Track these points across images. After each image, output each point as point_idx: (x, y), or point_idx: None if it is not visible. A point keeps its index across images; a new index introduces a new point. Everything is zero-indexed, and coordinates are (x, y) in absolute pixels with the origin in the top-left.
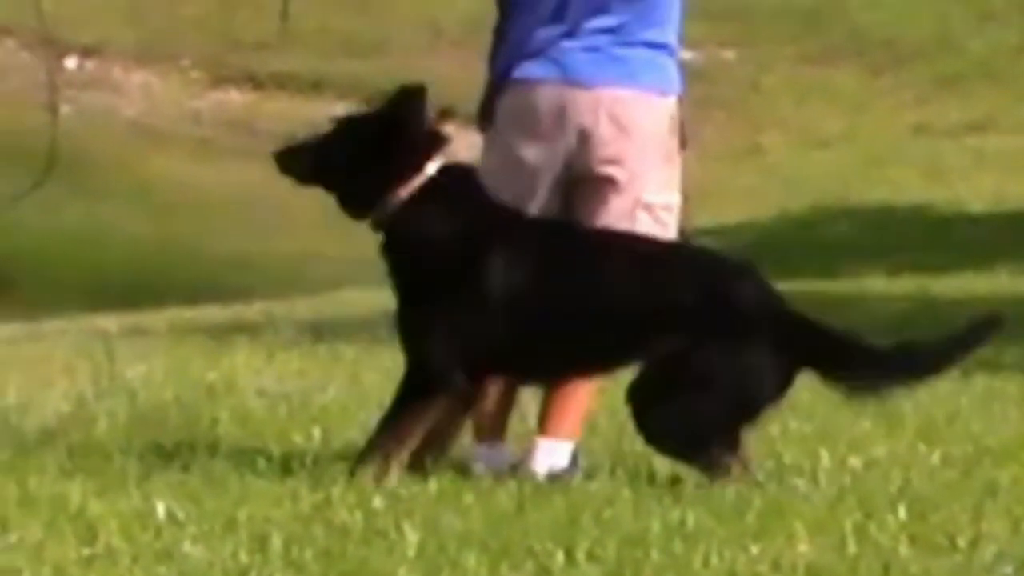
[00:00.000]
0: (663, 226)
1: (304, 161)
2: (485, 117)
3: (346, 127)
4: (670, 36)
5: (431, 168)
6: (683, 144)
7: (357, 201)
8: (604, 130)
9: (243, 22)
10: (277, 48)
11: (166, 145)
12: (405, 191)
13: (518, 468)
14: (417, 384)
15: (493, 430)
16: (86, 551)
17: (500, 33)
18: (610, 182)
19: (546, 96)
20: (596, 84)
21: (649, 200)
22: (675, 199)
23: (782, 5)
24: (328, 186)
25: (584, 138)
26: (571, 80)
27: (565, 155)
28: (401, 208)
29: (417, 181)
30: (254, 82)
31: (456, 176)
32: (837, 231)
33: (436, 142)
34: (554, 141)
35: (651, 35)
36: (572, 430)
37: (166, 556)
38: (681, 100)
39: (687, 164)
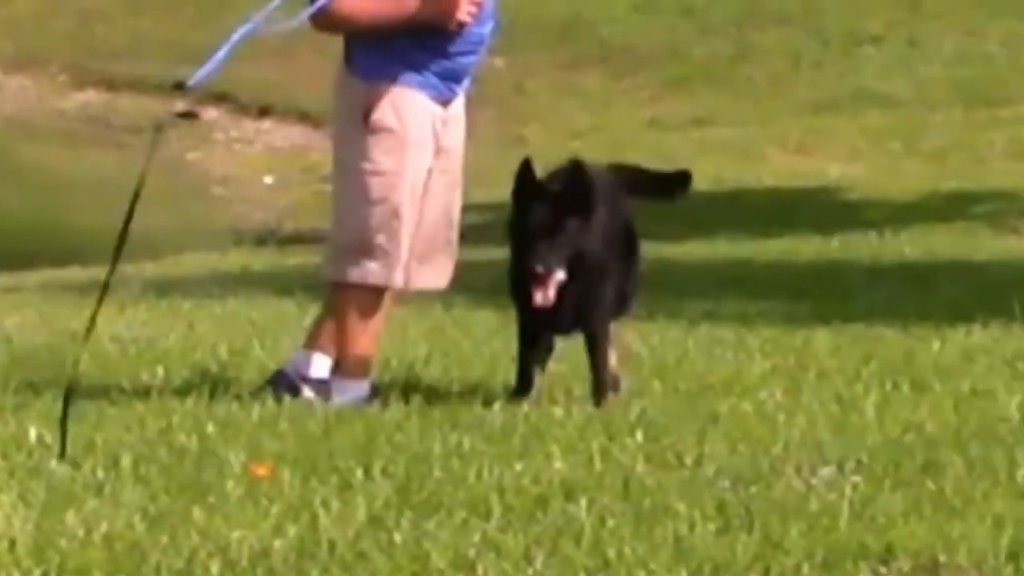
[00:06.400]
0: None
1: (560, 254)
2: None
3: (547, 212)
4: None
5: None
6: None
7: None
8: None
9: (100, 35)
10: (128, 56)
11: (37, 137)
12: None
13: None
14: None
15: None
16: None
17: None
18: None
19: None
20: None
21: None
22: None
23: (539, 21)
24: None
25: None
26: None
27: None
28: None
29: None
30: (109, 84)
31: None
32: None
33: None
34: None
35: None
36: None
37: (36, 473)
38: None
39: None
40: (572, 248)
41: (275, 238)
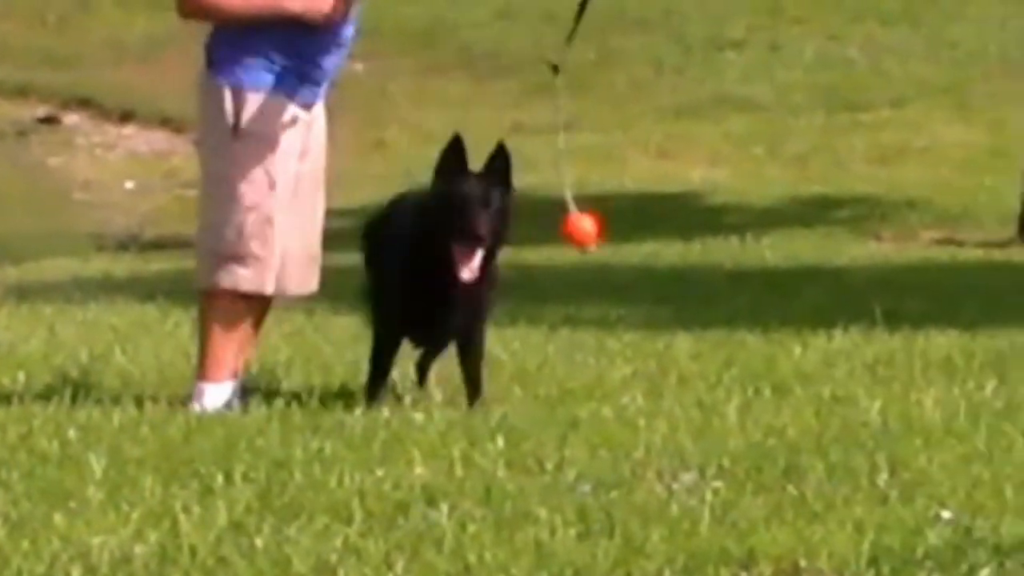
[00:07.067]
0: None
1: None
2: None
3: (478, 190)
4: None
5: None
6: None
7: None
8: None
9: None
10: None
11: None
12: None
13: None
14: None
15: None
16: None
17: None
18: None
19: None
20: None
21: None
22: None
23: (401, 25)
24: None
25: None
26: None
27: None
28: None
29: None
30: None
31: None
32: None
33: None
34: None
35: None
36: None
37: None
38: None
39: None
40: (496, 226)
41: (137, 243)
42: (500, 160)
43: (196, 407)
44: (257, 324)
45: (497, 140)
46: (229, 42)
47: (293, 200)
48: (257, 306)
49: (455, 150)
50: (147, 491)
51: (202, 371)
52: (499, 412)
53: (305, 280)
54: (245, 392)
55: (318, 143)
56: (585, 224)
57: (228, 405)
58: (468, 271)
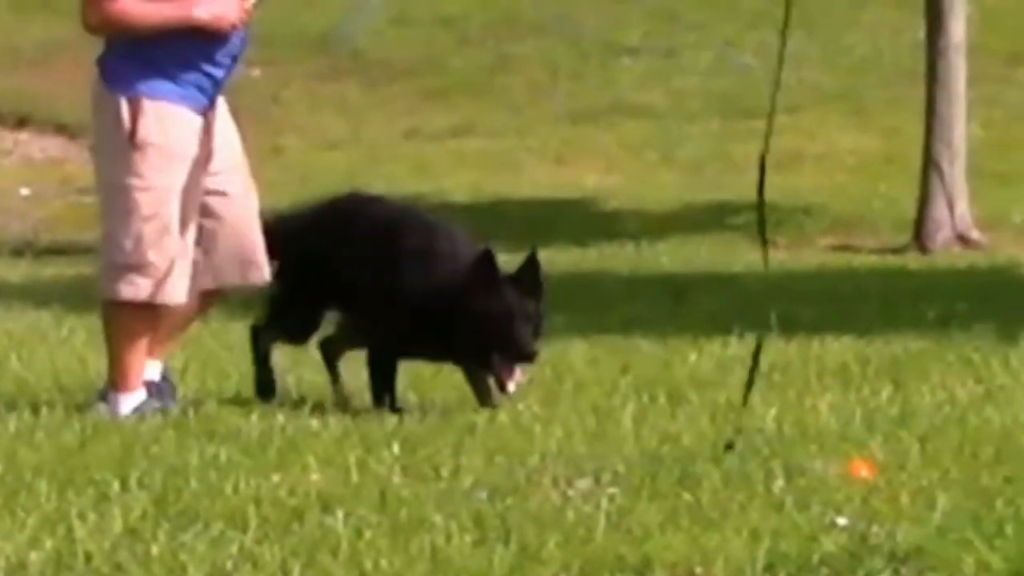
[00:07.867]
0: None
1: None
2: None
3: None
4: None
5: None
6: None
7: None
8: None
9: None
10: None
11: None
12: None
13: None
14: None
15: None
16: None
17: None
18: None
19: None
20: None
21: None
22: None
23: (296, 32)
24: None
25: None
26: None
27: None
28: None
29: None
30: None
31: None
32: None
33: None
34: None
35: None
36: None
37: None
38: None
39: None
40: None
41: (32, 250)
42: (533, 267)
43: (107, 414)
44: (184, 323)
45: (530, 250)
46: (124, 53)
47: (226, 201)
48: (163, 313)
49: (490, 263)
50: (42, 497)
51: (112, 380)
52: (394, 418)
53: (255, 271)
54: (173, 389)
55: (228, 143)
56: (863, 471)
57: (140, 411)
58: (514, 385)
